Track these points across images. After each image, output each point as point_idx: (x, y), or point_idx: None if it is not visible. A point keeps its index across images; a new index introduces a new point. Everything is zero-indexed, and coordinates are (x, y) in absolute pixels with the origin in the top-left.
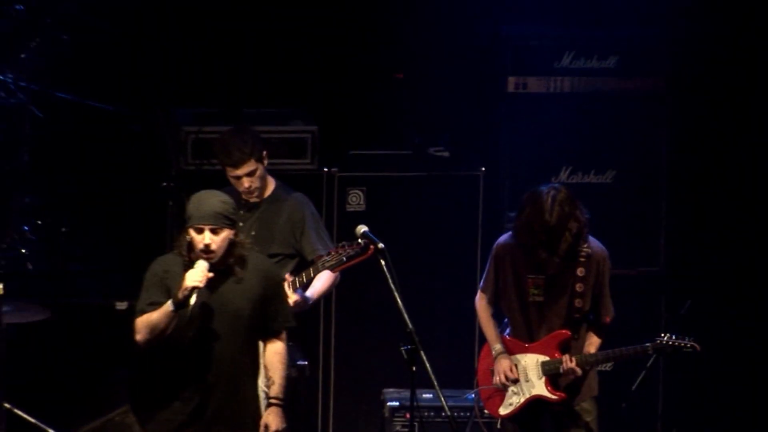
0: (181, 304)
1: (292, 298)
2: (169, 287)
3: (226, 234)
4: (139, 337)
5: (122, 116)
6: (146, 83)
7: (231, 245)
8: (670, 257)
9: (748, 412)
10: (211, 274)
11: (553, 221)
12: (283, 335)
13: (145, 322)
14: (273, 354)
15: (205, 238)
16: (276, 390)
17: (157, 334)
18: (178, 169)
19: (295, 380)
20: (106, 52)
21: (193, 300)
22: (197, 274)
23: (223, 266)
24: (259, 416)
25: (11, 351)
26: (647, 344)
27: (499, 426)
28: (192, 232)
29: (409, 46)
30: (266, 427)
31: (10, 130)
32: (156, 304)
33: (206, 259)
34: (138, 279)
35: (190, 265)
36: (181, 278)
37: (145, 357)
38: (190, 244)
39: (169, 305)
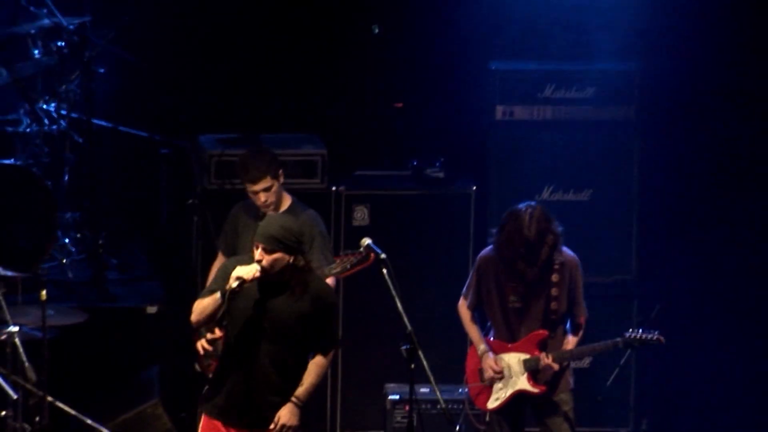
0: (226, 294)
1: None
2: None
3: (278, 256)
4: (192, 317)
5: (153, 141)
6: (174, 112)
7: (288, 267)
8: (640, 266)
9: (711, 404)
10: (258, 274)
11: (532, 236)
12: (330, 354)
13: (198, 305)
14: (314, 364)
15: (257, 255)
16: (300, 392)
17: (205, 317)
18: (202, 188)
19: None
20: (138, 84)
21: (235, 287)
22: (247, 270)
23: (280, 282)
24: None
25: (53, 350)
26: (618, 339)
27: (487, 419)
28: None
29: (408, 78)
30: (278, 418)
31: (53, 154)
32: (212, 291)
33: (261, 272)
34: (166, 286)
35: None
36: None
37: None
38: None
39: (218, 293)
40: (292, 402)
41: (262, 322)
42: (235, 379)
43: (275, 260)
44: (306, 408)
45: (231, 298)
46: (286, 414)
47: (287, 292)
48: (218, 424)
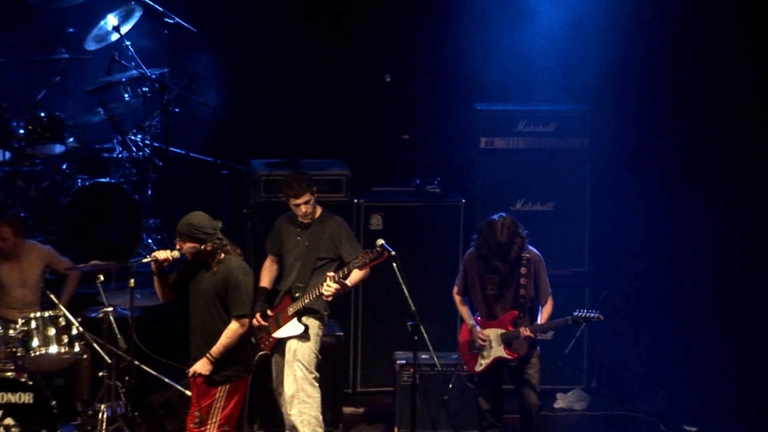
0: (153, 272)
1: (333, 286)
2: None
3: (190, 245)
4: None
5: (216, 164)
6: (232, 141)
7: (202, 252)
8: (591, 260)
9: (647, 367)
10: (170, 257)
11: (503, 240)
12: (239, 320)
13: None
14: (227, 329)
15: (177, 245)
16: (213, 349)
17: (159, 294)
18: (254, 201)
19: (334, 345)
20: (204, 120)
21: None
22: (163, 252)
23: (200, 263)
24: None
25: (139, 325)
26: (568, 317)
27: (475, 379)
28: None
29: (413, 116)
30: (192, 368)
31: (139, 174)
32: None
33: (180, 256)
34: None
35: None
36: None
37: None
38: None
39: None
40: (206, 357)
41: (197, 293)
42: (191, 335)
43: (188, 248)
44: (334, 369)
45: (158, 273)
46: (198, 365)
47: (209, 270)
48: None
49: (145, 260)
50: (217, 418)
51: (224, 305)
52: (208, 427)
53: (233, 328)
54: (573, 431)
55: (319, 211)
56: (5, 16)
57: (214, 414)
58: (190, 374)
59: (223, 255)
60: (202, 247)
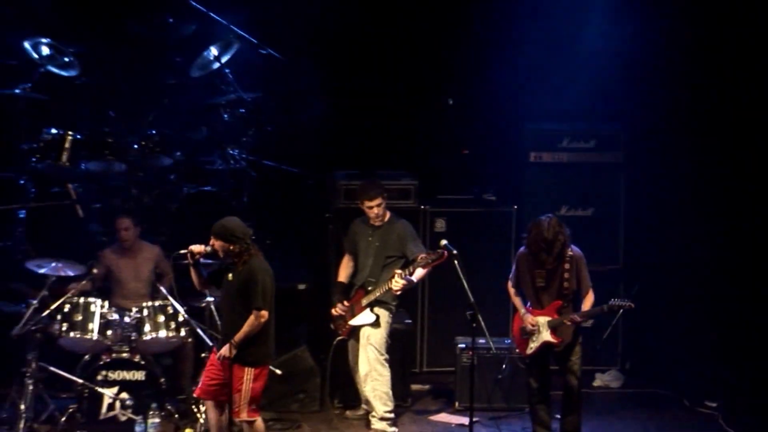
0: (189, 262)
1: (400, 282)
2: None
3: (220, 243)
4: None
5: (302, 175)
6: (316, 155)
7: (230, 251)
8: (625, 259)
9: (673, 352)
10: (204, 251)
11: (549, 237)
12: (257, 313)
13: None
14: (248, 319)
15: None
16: (236, 336)
17: (196, 283)
18: (334, 207)
19: (403, 331)
20: (293, 136)
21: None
22: (197, 246)
23: (233, 262)
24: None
25: None
26: (604, 305)
27: (526, 361)
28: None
29: (472, 133)
30: (220, 353)
31: (236, 185)
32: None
33: (211, 250)
34: (311, 271)
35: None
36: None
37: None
38: None
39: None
40: (230, 342)
41: (229, 289)
42: (222, 324)
43: (218, 245)
44: (403, 351)
45: (194, 264)
46: (223, 349)
47: (236, 269)
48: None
49: (182, 251)
50: (248, 398)
51: (246, 299)
52: (241, 405)
53: (252, 319)
54: (609, 407)
55: (388, 215)
56: (128, 49)
57: (245, 394)
58: (217, 357)
59: (248, 257)
60: (231, 247)
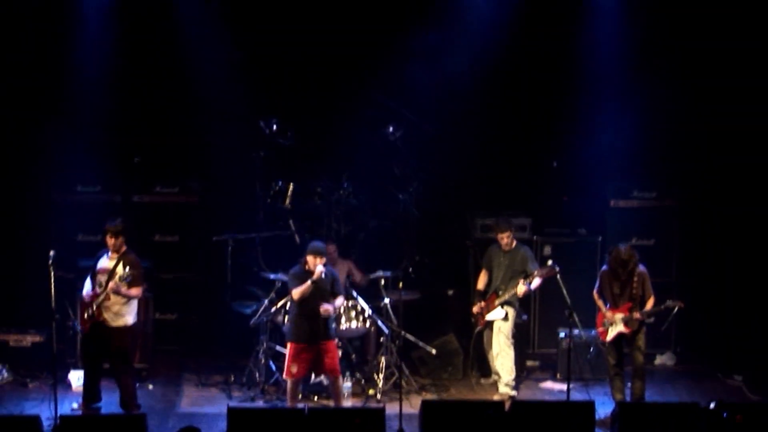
0: (314, 280)
1: (523, 288)
2: (303, 279)
3: (321, 260)
4: (295, 296)
5: (450, 214)
6: (461, 200)
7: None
8: (677, 273)
9: (720, 344)
10: (322, 270)
11: (625, 258)
12: (340, 296)
13: (298, 291)
14: (338, 297)
15: (318, 261)
16: (336, 301)
17: (304, 293)
18: (473, 237)
19: (521, 324)
20: (443, 187)
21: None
22: (318, 267)
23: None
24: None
25: (405, 309)
26: (661, 305)
27: (606, 345)
28: (310, 258)
29: (570, 186)
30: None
31: (404, 221)
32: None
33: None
34: (458, 281)
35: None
36: (307, 277)
37: (294, 306)
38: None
39: (309, 283)
40: (332, 301)
41: (319, 290)
42: (310, 319)
43: (321, 261)
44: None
45: (314, 281)
46: (325, 306)
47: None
48: (304, 345)
49: (315, 274)
50: (287, 364)
51: (332, 291)
52: (285, 369)
53: (340, 298)
54: (665, 379)
55: (514, 242)
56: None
57: (287, 362)
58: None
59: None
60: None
